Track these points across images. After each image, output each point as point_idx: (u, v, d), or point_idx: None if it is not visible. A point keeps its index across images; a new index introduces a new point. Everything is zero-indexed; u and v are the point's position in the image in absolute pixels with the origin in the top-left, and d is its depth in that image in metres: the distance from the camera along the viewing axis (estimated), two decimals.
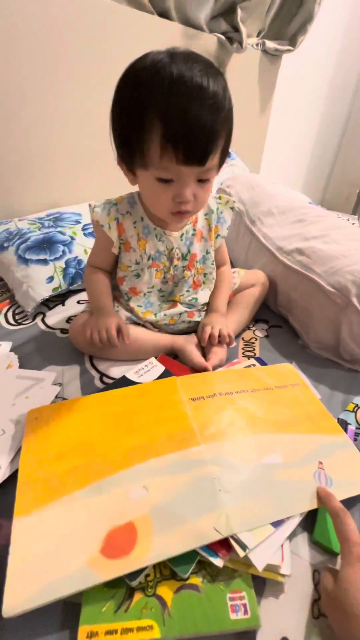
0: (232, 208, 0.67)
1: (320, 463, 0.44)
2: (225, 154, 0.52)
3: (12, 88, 0.88)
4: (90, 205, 0.61)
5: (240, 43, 1.29)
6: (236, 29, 1.29)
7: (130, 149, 0.49)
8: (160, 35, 1.10)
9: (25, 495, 0.39)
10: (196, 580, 0.35)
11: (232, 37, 1.30)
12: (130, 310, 0.65)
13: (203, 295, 0.69)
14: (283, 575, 0.35)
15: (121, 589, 0.33)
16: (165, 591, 0.34)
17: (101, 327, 0.58)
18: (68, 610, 0.32)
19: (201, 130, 0.44)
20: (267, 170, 1.90)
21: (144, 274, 0.63)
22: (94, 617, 0.32)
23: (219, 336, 0.62)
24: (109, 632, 0.31)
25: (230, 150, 1.69)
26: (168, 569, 0.35)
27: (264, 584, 0.35)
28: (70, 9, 0.89)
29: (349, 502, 0.41)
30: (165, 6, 1.09)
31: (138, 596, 0.33)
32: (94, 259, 0.66)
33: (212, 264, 0.68)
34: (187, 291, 0.67)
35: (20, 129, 0.94)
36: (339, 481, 0.43)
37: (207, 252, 0.66)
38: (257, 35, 1.44)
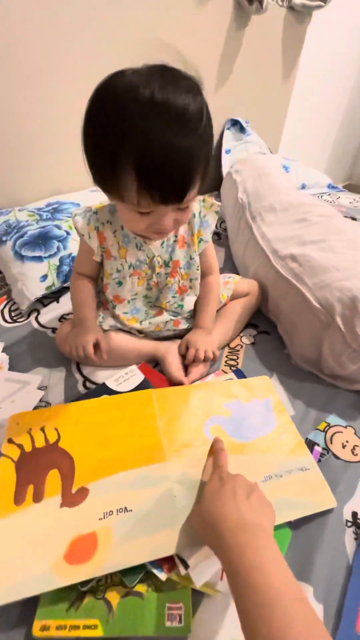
0: (216, 212, 0.64)
1: None
2: (206, 174, 0.49)
3: (10, 72, 0.85)
4: (71, 212, 0.60)
5: (260, 2, 1.16)
6: None
7: (105, 187, 0.47)
8: None
9: (1, 499, 0.44)
10: (142, 588, 0.39)
11: None
12: (116, 317, 0.67)
13: (189, 302, 0.68)
14: (219, 591, 0.39)
15: (74, 590, 0.38)
16: (113, 595, 0.38)
17: (79, 344, 0.59)
18: (26, 605, 0.38)
19: (178, 173, 0.42)
20: (288, 145, 1.77)
21: (126, 283, 0.63)
22: (48, 613, 0.37)
23: (204, 356, 0.62)
24: (60, 627, 0.36)
25: (245, 125, 1.56)
26: (118, 576, 0.40)
27: (202, 597, 0.39)
28: None
29: (301, 521, 0.44)
30: None
31: (88, 598, 0.38)
32: (78, 266, 0.66)
33: (198, 269, 0.66)
34: (173, 297, 0.66)
35: (20, 113, 0.91)
36: (296, 501, 0.45)
37: (191, 258, 0.65)
38: None
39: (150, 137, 0.40)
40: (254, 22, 1.25)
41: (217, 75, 1.27)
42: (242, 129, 1.46)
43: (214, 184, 1.35)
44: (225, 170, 1.36)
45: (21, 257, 0.81)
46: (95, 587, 0.39)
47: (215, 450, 0.48)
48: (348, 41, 1.69)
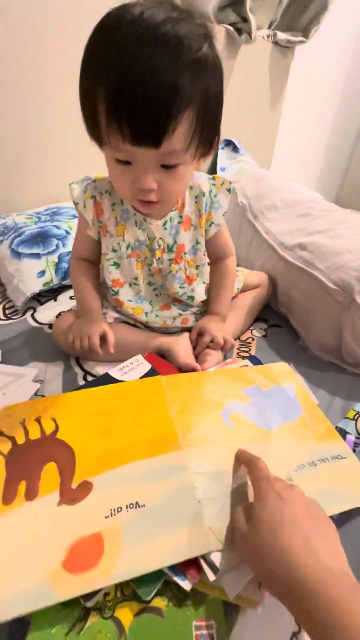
0: (229, 190, 0.57)
1: None
2: (205, 133, 0.41)
3: (10, 81, 0.87)
4: (70, 184, 0.56)
5: (249, 34, 1.25)
6: (245, 20, 1.25)
7: (86, 122, 0.42)
8: None
9: None
10: (160, 603, 0.31)
11: (241, 27, 1.26)
12: (120, 305, 0.61)
13: (199, 292, 0.63)
14: (257, 603, 0.31)
15: (75, 608, 0.30)
16: (125, 613, 0.30)
17: (84, 335, 0.54)
18: (14, 629, 0.29)
19: (152, 102, 0.35)
20: (279, 166, 1.84)
21: (124, 264, 0.57)
22: (42, 638, 0.29)
23: (222, 343, 0.58)
24: None
25: (238, 145, 1.61)
26: (130, 588, 0.32)
27: (237, 611, 0.31)
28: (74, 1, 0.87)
29: (349, 515, 0.38)
30: None
31: (94, 618, 0.30)
32: (76, 248, 0.61)
33: (205, 255, 0.61)
34: (182, 287, 0.60)
35: (20, 123, 0.93)
36: (337, 493, 0.39)
37: (198, 242, 0.59)
38: (269, 27, 1.39)
39: (127, 58, 0.34)
40: (244, 53, 1.34)
41: None
42: (235, 149, 1.52)
43: None
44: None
45: (18, 255, 0.77)
46: (102, 603, 0.31)
47: (249, 462, 0.36)
48: (329, 73, 1.84)
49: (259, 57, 1.42)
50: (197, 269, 0.62)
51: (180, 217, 0.57)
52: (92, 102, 0.39)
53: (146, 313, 0.62)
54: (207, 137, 0.43)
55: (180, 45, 0.35)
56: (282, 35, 1.40)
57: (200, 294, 0.63)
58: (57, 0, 0.86)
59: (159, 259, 0.57)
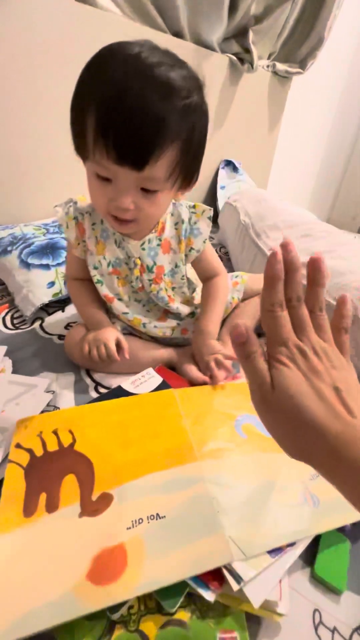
0: (209, 218, 0.58)
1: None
2: (187, 167, 0.44)
3: (21, 97, 0.89)
4: (54, 206, 0.57)
5: (251, 64, 1.32)
6: (247, 51, 1.32)
7: (74, 134, 0.44)
8: None
9: (8, 510, 0.37)
10: (184, 615, 0.31)
11: (244, 57, 1.33)
12: (118, 317, 0.62)
13: (182, 309, 0.63)
14: (280, 615, 0.32)
15: (101, 621, 0.30)
16: (150, 627, 0.31)
17: (100, 342, 0.55)
18: None
19: (141, 130, 0.38)
20: (274, 187, 1.92)
21: (106, 281, 0.59)
22: None
23: (216, 368, 0.57)
24: None
25: (237, 165, 1.67)
26: (154, 601, 0.32)
27: (258, 623, 0.32)
28: (85, 25, 0.91)
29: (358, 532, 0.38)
30: (180, 26, 1.12)
31: (119, 631, 0.30)
32: (69, 269, 0.62)
33: (182, 279, 0.61)
34: (167, 306, 0.61)
35: (30, 136, 0.95)
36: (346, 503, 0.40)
37: (177, 266, 0.60)
38: (268, 58, 1.47)
39: (121, 85, 0.37)
40: (245, 81, 1.41)
41: (213, 121, 1.40)
42: (234, 169, 1.58)
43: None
44: (221, 203, 1.44)
45: (27, 265, 0.78)
46: (127, 616, 0.31)
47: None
48: (323, 102, 1.94)
49: (259, 85, 1.50)
50: (172, 290, 0.62)
51: (160, 239, 0.58)
52: (81, 117, 0.41)
53: (144, 324, 0.62)
54: (189, 171, 0.46)
55: (171, 87, 0.39)
56: (281, 66, 1.48)
57: (183, 309, 0.63)
58: (76, 26, 0.90)
59: (137, 277, 0.58)
